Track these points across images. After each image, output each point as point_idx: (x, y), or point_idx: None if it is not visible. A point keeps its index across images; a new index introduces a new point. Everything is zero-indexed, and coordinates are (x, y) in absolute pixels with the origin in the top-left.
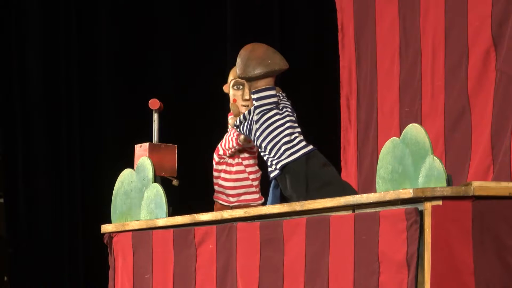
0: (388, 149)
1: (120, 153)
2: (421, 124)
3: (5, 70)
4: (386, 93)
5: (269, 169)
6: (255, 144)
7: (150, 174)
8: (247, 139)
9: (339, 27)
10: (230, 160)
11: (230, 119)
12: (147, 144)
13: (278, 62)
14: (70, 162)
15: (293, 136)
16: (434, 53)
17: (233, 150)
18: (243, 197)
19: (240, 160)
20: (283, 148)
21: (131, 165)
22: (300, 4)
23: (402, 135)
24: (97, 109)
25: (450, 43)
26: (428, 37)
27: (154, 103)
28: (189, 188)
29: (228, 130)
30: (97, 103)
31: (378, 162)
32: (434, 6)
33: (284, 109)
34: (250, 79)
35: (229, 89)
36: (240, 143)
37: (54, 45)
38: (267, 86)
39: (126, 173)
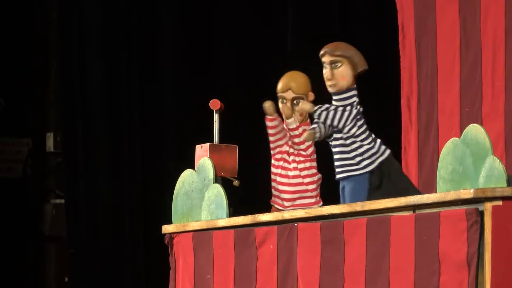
0: (449, 150)
1: (181, 154)
2: (481, 124)
3: (66, 71)
4: (446, 94)
5: (344, 167)
6: (341, 129)
7: (210, 174)
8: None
9: (400, 27)
10: (285, 164)
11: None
12: (207, 144)
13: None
14: (131, 163)
15: (374, 136)
16: (495, 53)
17: (270, 133)
18: (298, 202)
19: (295, 165)
20: (378, 142)
21: (192, 165)
22: (362, 6)
23: (462, 135)
24: (158, 109)
25: (510, 43)
26: (489, 37)
27: (215, 104)
28: (250, 189)
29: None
30: (158, 104)
31: (439, 163)
32: (494, 6)
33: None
34: (361, 72)
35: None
36: (270, 117)
37: (115, 47)
38: (355, 86)
39: (186, 174)
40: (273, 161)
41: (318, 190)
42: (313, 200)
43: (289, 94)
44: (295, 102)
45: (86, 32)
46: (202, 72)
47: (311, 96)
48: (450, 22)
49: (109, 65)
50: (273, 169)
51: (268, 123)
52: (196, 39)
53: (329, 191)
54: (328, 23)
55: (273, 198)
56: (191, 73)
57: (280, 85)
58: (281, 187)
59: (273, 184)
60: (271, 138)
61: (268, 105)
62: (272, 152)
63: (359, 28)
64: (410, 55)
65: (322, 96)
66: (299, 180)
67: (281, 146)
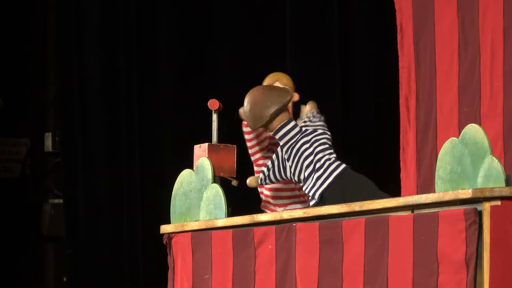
0: (447, 149)
1: (179, 154)
2: (480, 124)
3: (65, 71)
4: (445, 94)
5: (310, 198)
6: (293, 180)
7: (209, 174)
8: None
9: (398, 27)
10: None
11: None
12: (206, 144)
13: (278, 97)
14: (129, 163)
15: (323, 161)
16: (493, 53)
17: (247, 140)
18: (289, 207)
19: None
20: (315, 177)
21: (190, 165)
22: (360, 5)
23: (461, 135)
24: (156, 109)
25: (508, 43)
26: (487, 37)
27: (213, 104)
28: (249, 189)
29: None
30: (156, 103)
31: (437, 162)
32: (493, 7)
33: (312, 135)
34: (266, 125)
35: None
36: (246, 129)
37: (114, 47)
38: (283, 123)
39: (185, 174)
40: (255, 168)
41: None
42: (305, 204)
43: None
44: None
45: (84, 32)
46: (200, 72)
47: (296, 96)
48: (449, 22)
49: (107, 65)
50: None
51: (244, 129)
52: (195, 39)
53: None
54: (328, 23)
55: (263, 204)
56: (190, 73)
57: (266, 80)
58: (270, 193)
59: (261, 189)
60: (249, 144)
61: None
62: (252, 158)
63: (358, 28)
64: (408, 55)
65: (321, 95)
66: (291, 185)
67: (262, 150)
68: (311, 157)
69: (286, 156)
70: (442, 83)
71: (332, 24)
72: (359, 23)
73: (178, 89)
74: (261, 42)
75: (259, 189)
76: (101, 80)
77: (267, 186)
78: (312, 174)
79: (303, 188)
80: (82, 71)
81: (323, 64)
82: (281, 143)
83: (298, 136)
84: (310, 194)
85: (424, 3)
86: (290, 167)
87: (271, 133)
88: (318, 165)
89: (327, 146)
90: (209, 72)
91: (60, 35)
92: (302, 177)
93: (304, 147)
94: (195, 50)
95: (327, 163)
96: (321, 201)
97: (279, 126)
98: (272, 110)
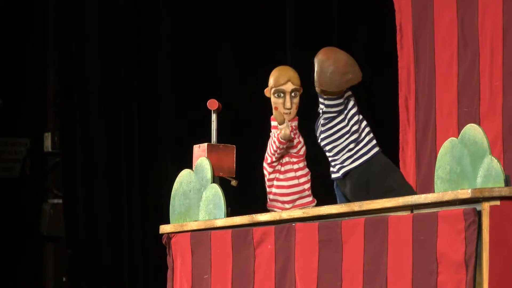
0: (447, 150)
1: (178, 154)
2: (479, 124)
3: (64, 71)
4: (444, 94)
5: (331, 168)
6: (319, 142)
7: (208, 174)
8: (288, 137)
9: (398, 27)
10: (280, 167)
11: (273, 124)
12: (205, 144)
13: (357, 76)
14: (128, 163)
15: (356, 143)
16: (492, 53)
17: (278, 152)
18: (297, 202)
19: (290, 166)
20: (346, 155)
21: (189, 165)
22: (360, 6)
23: (460, 135)
24: (156, 109)
25: (508, 43)
26: (486, 37)
27: (212, 104)
28: (248, 189)
29: (270, 134)
30: (156, 103)
31: (437, 162)
32: (492, 6)
33: (351, 110)
34: (331, 93)
35: (270, 94)
36: (282, 141)
37: (113, 47)
38: (338, 95)
39: (184, 174)
40: (268, 168)
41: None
42: (310, 198)
43: (289, 86)
44: (293, 94)
45: (84, 32)
46: (200, 72)
47: (300, 90)
48: (448, 22)
49: (107, 65)
50: (269, 176)
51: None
52: (194, 39)
53: (322, 189)
54: (327, 23)
55: (270, 203)
56: (189, 73)
57: (276, 78)
58: (280, 191)
59: (270, 189)
60: (277, 156)
61: (278, 114)
62: (271, 160)
63: (358, 28)
64: (408, 55)
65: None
66: (296, 181)
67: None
68: (346, 136)
69: (322, 122)
70: (442, 83)
71: (332, 23)
72: (359, 23)
73: (177, 89)
74: (261, 42)
75: (268, 189)
76: (100, 80)
77: (276, 183)
78: (343, 151)
79: (329, 158)
80: (82, 71)
81: None
82: (324, 109)
83: (340, 112)
84: (336, 167)
85: (424, 3)
86: (322, 132)
87: (320, 95)
88: (351, 146)
89: (363, 125)
90: (208, 72)
91: (59, 35)
92: (328, 148)
93: (342, 124)
94: (195, 50)
95: (361, 144)
96: (343, 179)
97: (334, 96)
98: (348, 84)
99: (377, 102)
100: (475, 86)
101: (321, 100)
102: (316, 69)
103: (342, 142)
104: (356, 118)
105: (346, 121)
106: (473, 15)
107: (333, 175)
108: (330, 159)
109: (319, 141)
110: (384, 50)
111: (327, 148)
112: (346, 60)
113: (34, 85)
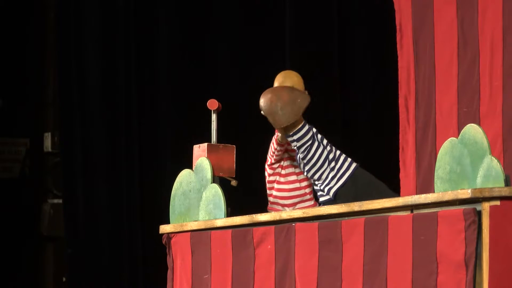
0: (446, 150)
1: (178, 154)
2: (479, 124)
3: (64, 71)
4: (444, 94)
5: (320, 192)
6: (306, 175)
7: (208, 174)
8: (285, 140)
9: (398, 27)
10: (280, 170)
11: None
12: (205, 144)
13: (305, 96)
14: (128, 163)
15: (335, 161)
16: (492, 53)
17: (276, 153)
18: (298, 206)
19: (292, 170)
20: (330, 175)
21: (189, 165)
22: (360, 5)
23: (460, 135)
24: (155, 109)
25: (508, 43)
26: (486, 37)
27: (212, 104)
28: (248, 189)
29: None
30: (155, 104)
31: (436, 163)
32: (492, 6)
33: (318, 134)
34: (294, 125)
35: None
36: (280, 143)
37: (113, 47)
38: (301, 125)
39: (184, 174)
40: (268, 170)
41: (312, 193)
42: (311, 202)
43: None
44: None
45: (83, 32)
46: (199, 72)
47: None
48: (448, 22)
49: (106, 65)
50: (269, 178)
51: (278, 147)
52: (194, 39)
53: None
54: (327, 23)
55: (271, 206)
56: (189, 73)
57: (281, 83)
58: (280, 194)
59: (270, 192)
60: (276, 157)
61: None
62: (271, 161)
63: (358, 28)
64: (408, 55)
65: (321, 94)
66: (297, 184)
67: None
68: (323, 157)
69: (301, 156)
70: (442, 83)
71: (332, 23)
72: (358, 23)
73: (177, 89)
74: (261, 43)
75: (268, 191)
76: (100, 80)
77: (276, 186)
78: (326, 172)
79: (315, 185)
80: (82, 71)
81: (322, 64)
82: (297, 145)
83: (313, 138)
84: (325, 189)
85: (424, 3)
86: (305, 165)
87: (286, 134)
88: (332, 164)
89: (333, 147)
90: (208, 72)
91: (59, 35)
92: (315, 176)
93: (320, 149)
94: (195, 50)
95: (339, 163)
96: (334, 200)
97: (298, 127)
98: (300, 111)
99: (377, 102)
100: (475, 86)
101: (290, 139)
102: (268, 116)
103: (324, 165)
104: (324, 139)
105: (321, 145)
106: (473, 15)
107: (322, 199)
108: (317, 184)
109: (305, 174)
110: (384, 50)
111: (315, 176)
112: (286, 91)
113: (34, 85)
